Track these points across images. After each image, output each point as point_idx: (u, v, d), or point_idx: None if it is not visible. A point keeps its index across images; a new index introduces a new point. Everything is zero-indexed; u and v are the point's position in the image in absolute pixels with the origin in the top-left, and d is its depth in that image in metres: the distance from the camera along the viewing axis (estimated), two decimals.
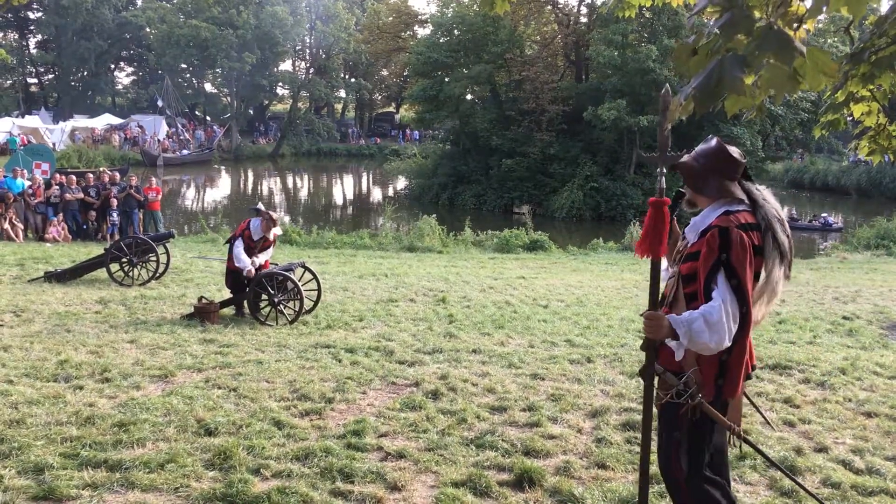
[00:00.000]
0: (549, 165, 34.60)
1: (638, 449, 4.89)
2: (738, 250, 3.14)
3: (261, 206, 10.28)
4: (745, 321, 3.14)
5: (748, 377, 3.47)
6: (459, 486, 4.47)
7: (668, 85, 3.69)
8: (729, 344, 3.12)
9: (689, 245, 3.37)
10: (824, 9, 3.01)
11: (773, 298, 3.35)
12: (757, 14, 2.94)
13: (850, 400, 6.41)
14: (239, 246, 9.80)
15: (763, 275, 3.29)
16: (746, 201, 3.34)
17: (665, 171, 3.45)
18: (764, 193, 3.40)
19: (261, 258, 10.06)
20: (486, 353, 7.87)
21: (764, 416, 3.97)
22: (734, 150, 3.38)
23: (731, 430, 3.32)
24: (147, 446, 4.97)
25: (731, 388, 3.24)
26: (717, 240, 3.16)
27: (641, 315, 3.31)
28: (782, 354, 7.91)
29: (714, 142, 3.42)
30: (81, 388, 6.29)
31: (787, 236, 3.31)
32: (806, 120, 33.77)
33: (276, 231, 10.22)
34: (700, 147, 3.47)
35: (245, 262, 9.74)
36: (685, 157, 3.49)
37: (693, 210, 3.49)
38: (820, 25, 33.91)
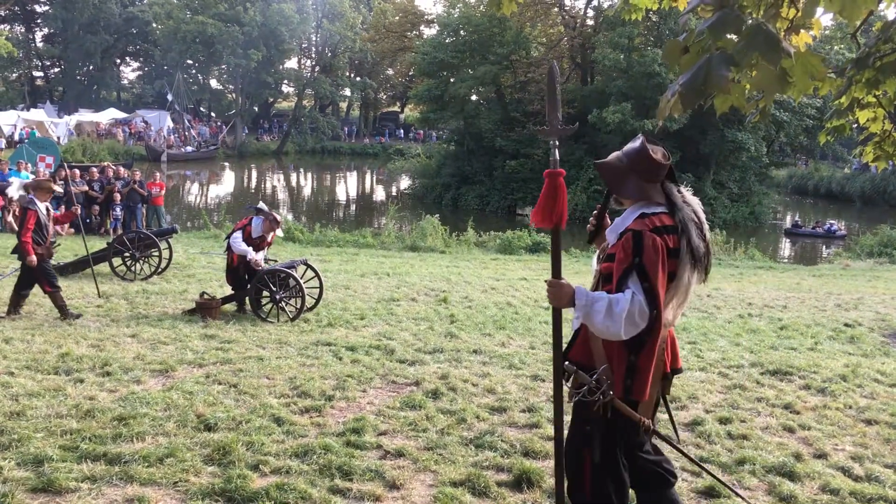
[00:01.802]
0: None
1: None
2: (650, 254, 3.15)
3: (262, 205, 10.29)
4: (654, 324, 3.15)
5: (666, 377, 3.50)
6: (458, 486, 4.47)
7: (554, 62, 3.72)
8: (623, 336, 3.14)
9: (609, 246, 3.40)
10: (821, 12, 3.02)
11: (685, 301, 3.38)
12: (752, 13, 2.95)
13: (850, 407, 6.40)
14: (238, 237, 9.83)
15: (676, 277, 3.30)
16: (664, 203, 3.35)
17: (557, 143, 3.47)
18: (686, 196, 3.41)
19: (262, 254, 10.08)
20: (486, 354, 7.87)
21: (673, 423, 3.84)
22: (657, 152, 3.36)
23: (642, 425, 3.34)
24: (146, 440, 4.97)
25: (639, 388, 3.26)
26: (630, 244, 3.19)
27: (545, 281, 3.37)
28: (783, 360, 7.90)
29: (639, 142, 3.40)
30: (82, 381, 6.30)
31: (705, 240, 3.33)
32: (811, 126, 33.75)
33: (278, 233, 10.24)
34: (627, 145, 3.47)
35: (246, 250, 9.76)
36: (610, 157, 3.51)
37: (620, 208, 3.51)
38: (827, 32, 33.89)
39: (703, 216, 3.38)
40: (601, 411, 3.28)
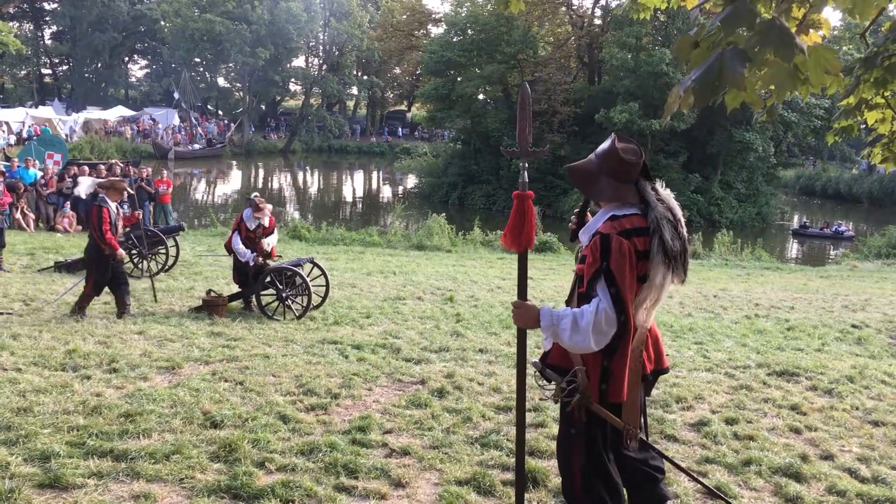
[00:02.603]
0: (560, 167, 34.57)
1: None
2: (616, 258, 3.12)
3: (255, 195, 10.37)
4: (623, 329, 3.13)
5: (647, 379, 3.48)
6: (463, 485, 4.47)
7: (525, 83, 3.72)
8: (595, 348, 3.14)
9: (582, 248, 3.40)
10: (830, 10, 3.00)
11: (658, 302, 3.32)
12: (762, 10, 2.93)
13: (857, 408, 6.38)
14: (237, 240, 9.90)
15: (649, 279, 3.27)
16: (639, 204, 3.30)
17: (527, 165, 3.51)
18: (661, 194, 3.34)
19: (271, 240, 10.12)
20: (492, 353, 7.86)
21: (646, 424, 3.75)
22: (628, 151, 3.30)
23: (624, 431, 3.33)
24: (153, 437, 4.98)
25: (615, 392, 3.25)
26: (598, 247, 3.16)
27: (511, 303, 3.40)
28: (790, 361, 7.88)
29: (609, 141, 3.36)
30: (89, 377, 6.32)
31: (681, 238, 3.27)
32: (819, 127, 33.67)
33: (268, 209, 10.24)
34: (600, 146, 3.43)
35: (246, 254, 9.84)
36: (583, 159, 3.48)
37: (599, 209, 3.49)
38: (835, 32, 33.81)
39: (679, 213, 3.32)
40: (577, 414, 3.30)
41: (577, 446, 3.38)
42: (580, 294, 3.29)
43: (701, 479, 4.16)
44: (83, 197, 8.62)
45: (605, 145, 3.37)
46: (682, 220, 3.32)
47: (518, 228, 3.39)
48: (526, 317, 3.31)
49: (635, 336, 3.27)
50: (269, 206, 10.30)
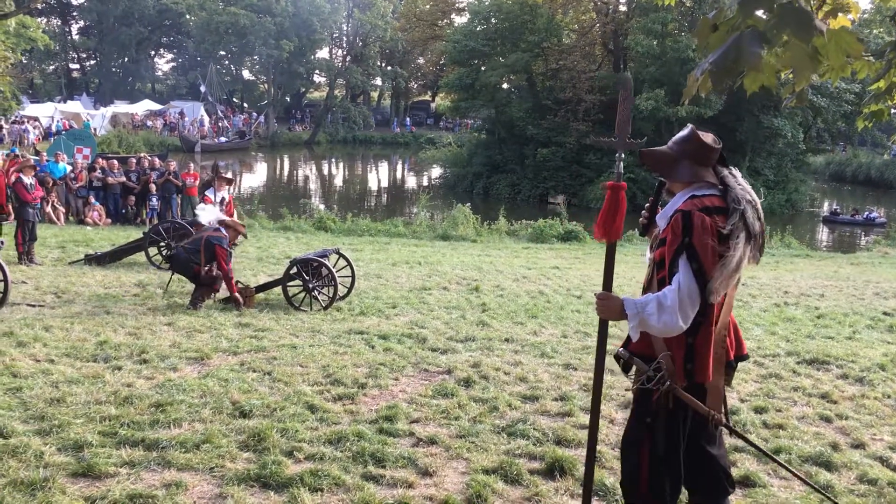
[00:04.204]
0: (585, 156, 34.39)
1: None
2: (699, 233, 3.09)
3: (221, 168, 10.70)
4: (707, 304, 3.10)
5: (731, 365, 3.41)
6: (490, 474, 4.48)
7: (628, 74, 3.70)
8: (684, 327, 3.10)
9: (660, 232, 3.36)
10: None
11: (734, 277, 3.21)
12: None
13: (888, 396, 6.30)
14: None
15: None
16: (718, 186, 3.29)
17: (623, 156, 3.50)
18: (738, 178, 3.33)
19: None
20: (518, 343, 7.86)
21: (729, 425, 3.53)
22: (708, 137, 3.33)
23: (709, 417, 3.26)
24: (183, 427, 5.04)
25: (701, 371, 3.20)
26: (679, 224, 3.13)
27: (595, 294, 3.38)
28: (820, 349, 7.79)
29: (689, 129, 3.38)
30: (120, 368, 6.40)
31: (760, 220, 3.24)
32: (849, 112, 33.14)
33: (227, 176, 10.39)
34: (676, 136, 3.44)
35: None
36: (657, 148, 3.47)
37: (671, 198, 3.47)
38: (865, 15, 33.26)
39: (755, 197, 3.30)
40: (664, 401, 3.24)
41: (651, 436, 3.31)
42: (660, 280, 3.26)
43: (799, 473, 4.12)
44: (204, 223, 9.01)
45: (684, 133, 3.39)
46: (759, 203, 3.30)
47: (611, 219, 3.39)
48: (610, 308, 3.30)
49: (719, 320, 3.23)
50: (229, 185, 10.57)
